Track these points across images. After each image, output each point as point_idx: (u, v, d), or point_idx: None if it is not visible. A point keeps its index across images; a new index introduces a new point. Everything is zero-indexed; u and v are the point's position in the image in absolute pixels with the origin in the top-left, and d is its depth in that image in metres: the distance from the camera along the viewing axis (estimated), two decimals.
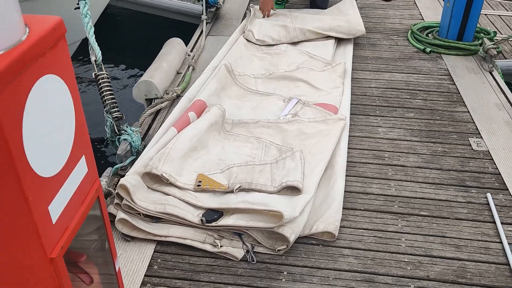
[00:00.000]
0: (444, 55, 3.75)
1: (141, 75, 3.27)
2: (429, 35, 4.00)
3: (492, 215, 2.27)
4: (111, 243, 1.31)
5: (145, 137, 2.79)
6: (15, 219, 0.93)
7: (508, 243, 2.11)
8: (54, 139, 0.99)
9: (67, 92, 1.02)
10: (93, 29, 2.47)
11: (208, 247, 2.06)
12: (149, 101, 3.15)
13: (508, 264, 2.02)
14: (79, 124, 1.08)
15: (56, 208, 1.00)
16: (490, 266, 2.01)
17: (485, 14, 4.63)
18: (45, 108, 0.94)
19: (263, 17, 4.06)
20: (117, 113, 2.48)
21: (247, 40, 3.79)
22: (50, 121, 0.96)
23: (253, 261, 2.01)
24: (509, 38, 3.69)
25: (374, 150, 2.72)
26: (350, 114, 2.99)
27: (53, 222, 1.00)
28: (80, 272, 1.20)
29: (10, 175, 0.87)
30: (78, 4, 2.68)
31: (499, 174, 2.53)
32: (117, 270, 1.36)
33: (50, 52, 0.94)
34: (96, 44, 2.33)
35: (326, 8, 4.31)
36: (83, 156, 1.12)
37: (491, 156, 2.67)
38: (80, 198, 1.11)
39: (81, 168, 1.11)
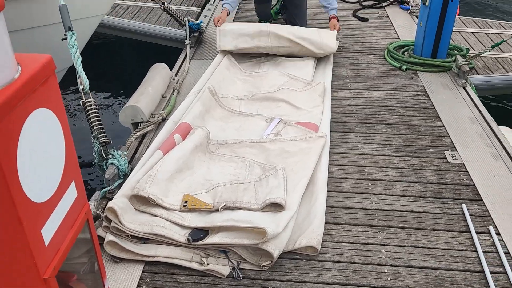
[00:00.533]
0: (420, 72, 3.91)
1: (127, 100, 3.35)
2: (405, 53, 4.17)
3: (468, 225, 2.37)
4: (100, 264, 1.38)
5: (132, 160, 2.86)
6: (11, 242, 1.01)
7: (483, 252, 2.21)
8: (46, 167, 1.06)
9: (58, 124, 1.10)
10: (80, 58, 2.57)
11: (195, 265, 2.12)
12: (136, 125, 3.23)
13: (483, 272, 2.11)
14: (68, 152, 1.16)
15: (48, 231, 1.08)
16: (466, 274, 2.11)
17: (459, 32, 4.83)
18: (38, 139, 1.02)
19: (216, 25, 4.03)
20: (104, 138, 2.56)
21: (223, 54, 3.89)
22: (42, 150, 1.04)
23: (239, 277, 2.08)
24: (481, 54, 3.87)
25: (354, 165, 2.82)
26: (331, 131, 3.10)
27: (46, 245, 1.07)
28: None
29: (6, 201, 0.94)
30: (65, 35, 2.78)
31: (474, 185, 2.65)
32: None
33: (41, 88, 1.03)
34: (84, 73, 2.42)
35: None
36: (73, 181, 1.20)
37: (465, 168, 2.79)
38: (70, 221, 1.18)
39: (71, 193, 1.19)
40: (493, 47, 3.76)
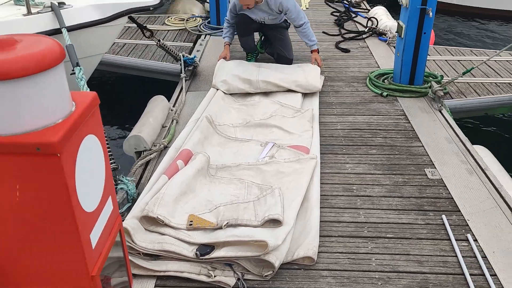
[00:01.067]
0: (400, 98, 4.23)
1: (129, 131, 3.59)
2: (385, 80, 4.50)
3: (448, 234, 2.62)
4: (128, 269, 1.59)
5: (138, 185, 3.07)
6: (67, 244, 1.23)
7: (462, 257, 2.45)
8: (93, 183, 1.30)
9: (100, 147, 1.34)
10: (88, 90, 2.82)
11: (203, 278, 2.32)
12: (139, 153, 3.45)
13: (463, 274, 2.35)
14: (107, 171, 1.39)
15: (94, 236, 1.30)
16: (448, 277, 2.34)
17: (434, 60, 5.21)
18: (88, 159, 1.26)
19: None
20: (113, 164, 2.78)
21: (217, 89, 4.20)
22: (91, 169, 1.28)
23: (244, 287, 2.28)
24: (453, 80, 4.22)
25: (343, 183, 3.08)
26: (320, 153, 3.36)
27: (93, 247, 1.29)
28: None
29: (68, 210, 1.17)
30: (73, 70, 3.06)
31: (452, 198, 2.91)
32: None
33: (90, 118, 1.27)
34: None
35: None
36: (110, 196, 1.43)
37: (444, 183, 3.06)
38: (109, 229, 1.41)
39: (109, 205, 1.41)
40: (463, 73, 4.12)
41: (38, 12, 3.37)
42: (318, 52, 4.69)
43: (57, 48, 1.15)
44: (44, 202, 1.16)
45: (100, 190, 1.34)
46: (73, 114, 1.21)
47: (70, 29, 3.24)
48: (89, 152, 1.27)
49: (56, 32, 3.20)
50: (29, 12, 3.35)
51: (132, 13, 3.79)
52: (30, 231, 1.19)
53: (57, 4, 3.38)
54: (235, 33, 4.84)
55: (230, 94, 4.23)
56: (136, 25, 4.36)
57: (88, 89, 2.92)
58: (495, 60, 5.12)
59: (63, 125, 1.15)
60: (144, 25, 5.27)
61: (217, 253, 2.37)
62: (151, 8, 3.81)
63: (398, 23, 4.27)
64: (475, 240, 2.57)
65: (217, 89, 4.26)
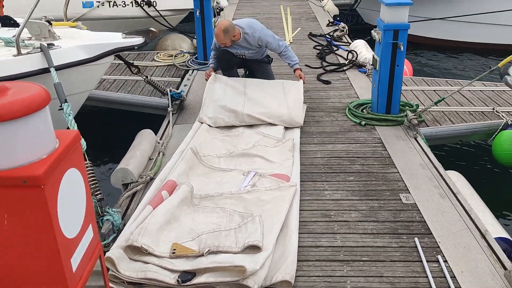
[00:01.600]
0: (377, 126, 4.43)
1: (117, 164, 3.72)
2: (364, 110, 4.71)
3: (420, 256, 2.75)
4: None
5: (124, 216, 3.18)
6: (49, 270, 1.35)
7: (432, 277, 2.57)
8: (75, 211, 1.43)
9: (82, 180, 1.49)
10: (76, 125, 2.98)
11: None
12: (126, 185, 3.58)
13: None
14: (88, 201, 1.53)
15: (75, 260, 1.42)
16: None
17: (410, 90, 5.45)
18: (70, 190, 1.40)
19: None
20: (100, 195, 2.91)
21: (201, 123, 4.39)
22: (72, 199, 1.42)
23: None
24: (426, 109, 4.44)
25: (321, 210, 3.21)
26: (300, 181, 3.51)
27: (73, 271, 1.42)
28: None
29: (50, 237, 1.30)
30: (61, 106, 3.23)
31: (425, 221, 3.06)
32: None
33: (72, 154, 1.42)
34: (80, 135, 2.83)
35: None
36: (90, 224, 1.56)
37: (417, 207, 3.21)
38: (89, 254, 1.53)
39: (89, 233, 1.54)
40: (436, 103, 4.34)
41: (28, 53, 3.56)
42: (301, 70, 4.97)
43: (44, 93, 1.31)
44: (29, 229, 1.30)
45: (81, 218, 1.48)
46: (57, 150, 1.36)
47: (58, 68, 3.43)
48: (70, 184, 1.41)
49: (44, 71, 3.39)
50: (19, 53, 3.54)
51: (117, 52, 4.01)
52: (16, 257, 1.32)
53: (46, 45, 3.58)
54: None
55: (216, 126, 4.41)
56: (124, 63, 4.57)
57: (75, 124, 3.08)
58: (468, 90, 5.37)
59: (47, 160, 1.30)
60: (134, 61, 5.51)
61: (198, 279, 2.48)
62: (135, 48, 4.03)
63: (373, 56, 4.51)
64: (445, 261, 2.69)
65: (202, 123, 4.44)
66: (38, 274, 1.36)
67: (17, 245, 1.29)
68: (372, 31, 4.42)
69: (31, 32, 3.88)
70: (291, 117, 4.42)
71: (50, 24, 3.95)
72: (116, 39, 3.98)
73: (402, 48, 4.21)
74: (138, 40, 4.02)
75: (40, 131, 1.29)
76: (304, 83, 4.85)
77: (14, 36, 3.57)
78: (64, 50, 3.65)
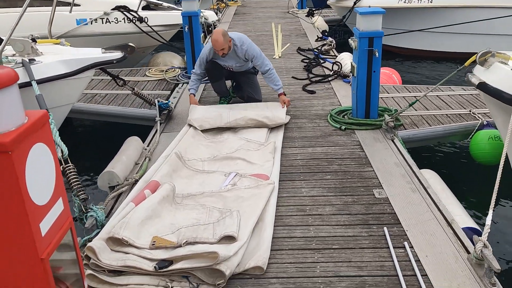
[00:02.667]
0: (357, 131, 4.59)
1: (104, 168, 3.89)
2: (345, 116, 4.88)
3: (387, 243, 2.88)
4: (80, 265, 1.85)
5: (109, 215, 3.33)
6: (19, 231, 1.51)
7: (398, 261, 2.70)
8: (43, 182, 1.60)
9: (51, 155, 1.66)
10: (58, 132, 3.19)
11: None
12: (112, 188, 3.73)
13: (397, 276, 2.59)
14: (58, 175, 1.70)
15: (44, 226, 1.58)
16: (383, 279, 2.58)
17: (392, 97, 5.64)
18: (38, 163, 1.57)
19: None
20: (83, 195, 3.08)
21: (190, 125, 4.59)
22: (41, 171, 1.58)
23: None
24: (403, 111, 4.62)
25: (298, 205, 3.35)
26: (279, 180, 3.66)
27: (42, 235, 1.57)
28: (58, 280, 1.72)
29: (19, 202, 1.47)
30: None
31: (395, 213, 3.19)
32: (86, 286, 1.88)
33: (40, 130, 1.60)
34: (62, 142, 3.03)
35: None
36: (60, 197, 1.72)
37: (389, 201, 3.35)
38: (59, 225, 1.69)
39: (59, 205, 1.70)
40: (411, 105, 4.52)
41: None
42: (285, 95, 5.11)
43: (12, 72, 1.50)
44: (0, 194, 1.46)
45: (50, 189, 1.63)
46: (25, 124, 1.53)
47: (40, 82, 3.66)
48: (39, 157, 1.58)
49: (26, 85, 3.60)
50: None
51: (96, 66, 4.24)
52: None
53: (27, 60, 3.82)
54: (204, 81, 5.30)
55: (202, 131, 4.59)
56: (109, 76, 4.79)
57: (57, 132, 3.29)
58: (448, 95, 5.56)
59: (16, 132, 1.47)
60: (126, 76, 5.73)
61: (174, 266, 2.61)
62: (114, 62, 4.25)
63: (351, 63, 4.72)
64: (411, 247, 2.82)
65: (190, 126, 4.63)
66: (8, 238, 1.52)
67: None
68: (349, 39, 4.63)
69: (15, 49, 4.12)
70: (274, 115, 4.63)
71: (35, 41, 4.20)
72: (96, 54, 4.22)
73: (377, 54, 4.41)
74: (117, 55, 4.25)
75: (9, 105, 1.47)
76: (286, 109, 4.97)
77: None
78: (45, 65, 3.90)
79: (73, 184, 3.11)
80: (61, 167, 3.18)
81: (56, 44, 4.66)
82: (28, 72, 3.66)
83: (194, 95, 5.18)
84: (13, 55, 4.15)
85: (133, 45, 4.50)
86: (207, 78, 5.34)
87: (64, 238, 1.73)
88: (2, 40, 3.78)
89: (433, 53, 9.85)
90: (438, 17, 9.20)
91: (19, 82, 1.59)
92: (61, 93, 4.07)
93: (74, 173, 3.17)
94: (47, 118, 1.64)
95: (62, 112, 4.29)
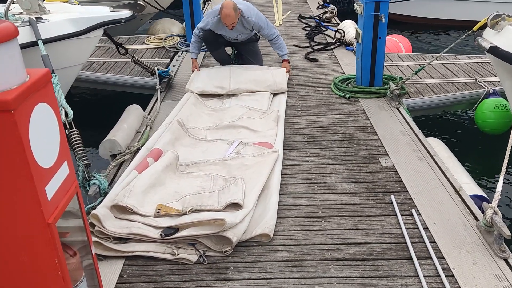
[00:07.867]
0: (361, 99, 4.51)
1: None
2: (349, 84, 4.79)
3: (395, 210, 2.85)
4: (87, 230, 1.80)
5: (111, 184, 3.27)
6: (24, 194, 1.45)
7: (406, 228, 2.67)
8: (48, 144, 1.53)
9: (54, 115, 1.58)
10: (63, 94, 3.08)
11: (168, 256, 2.52)
12: (114, 157, 3.67)
13: (405, 243, 2.57)
14: (62, 138, 1.62)
15: (50, 190, 1.52)
16: (391, 245, 2.56)
17: (396, 65, 5.53)
18: (42, 123, 1.49)
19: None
20: (86, 160, 3.01)
21: (191, 91, 4.54)
22: (45, 132, 1.51)
23: (205, 262, 2.48)
24: (408, 79, 4.53)
25: (303, 173, 3.31)
26: (284, 149, 3.60)
27: (48, 199, 1.51)
28: (65, 246, 1.68)
29: (24, 164, 1.40)
30: None
31: (401, 181, 3.15)
32: (93, 254, 1.84)
33: (42, 89, 1.51)
34: (67, 105, 2.92)
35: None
36: (66, 161, 1.65)
37: (395, 169, 3.30)
38: (65, 188, 1.63)
39: (65, 169, 1.64)
40: (416, 72, 4.43)
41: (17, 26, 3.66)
42: (289, 63, 5.00)
43: (12, 27, 1.40)
44: (3, 155, 1.39)
45: (55, 152, 1.57)
46: (26, 82, 1.45)
47: (47, 41, 3.51)
48: (42, 117, 1.50)
49: (33, 44, 3.47)
50: None
51: (105, 25, 4.08)
52: None
53: (34, 19, 3.67)
54: (204, 49, 5.16)
55: (203, 96, 4.51)
56: (112, 42, 4.65)
57: (63, 94, 3.17)
58: (453, 63, 5.46)
59: (18, 90, 1.39)
60: (124, 44, 5.58)
61: (180, 233, 2.58)
62: (123, 21, 4.10)
63: (356, 29, 4.59)
64: (419, 214, 2.80)
65: (192, 93, 4.55)
66: (14, 201, 1.46)
67: None
68: (355, 4, 4.50)
69: (22, 7, 3.98)
70: (275, 82, 4.57)
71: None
72: (104, 12, 4.06)
73: (383, 19, 4.29)
74: (125, 13, 4.10)
75: (8, 62, 1.38)
76: (287, 76, 4.88)
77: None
78: (52, 24, 3.75)
79: (76, 149, 3.04)
80: (66, 131, 3.11)
81: (65, 2, 4.51)
82: (34, 31, 3.52)
83: (196, 59, 5.05)
84: (20, 13, 4.02)
85: (142, 3, 4.36)
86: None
87: (70, 203, 1.68)
88: None
89: (439, 21, 9.66)
90: None
91: (25, 41, 1.49)
92: (69, 54, 3.95)
93: (79, 138, 3.09)
94: (50, 77, 1.55)
95: (70, 73, 4.17)
